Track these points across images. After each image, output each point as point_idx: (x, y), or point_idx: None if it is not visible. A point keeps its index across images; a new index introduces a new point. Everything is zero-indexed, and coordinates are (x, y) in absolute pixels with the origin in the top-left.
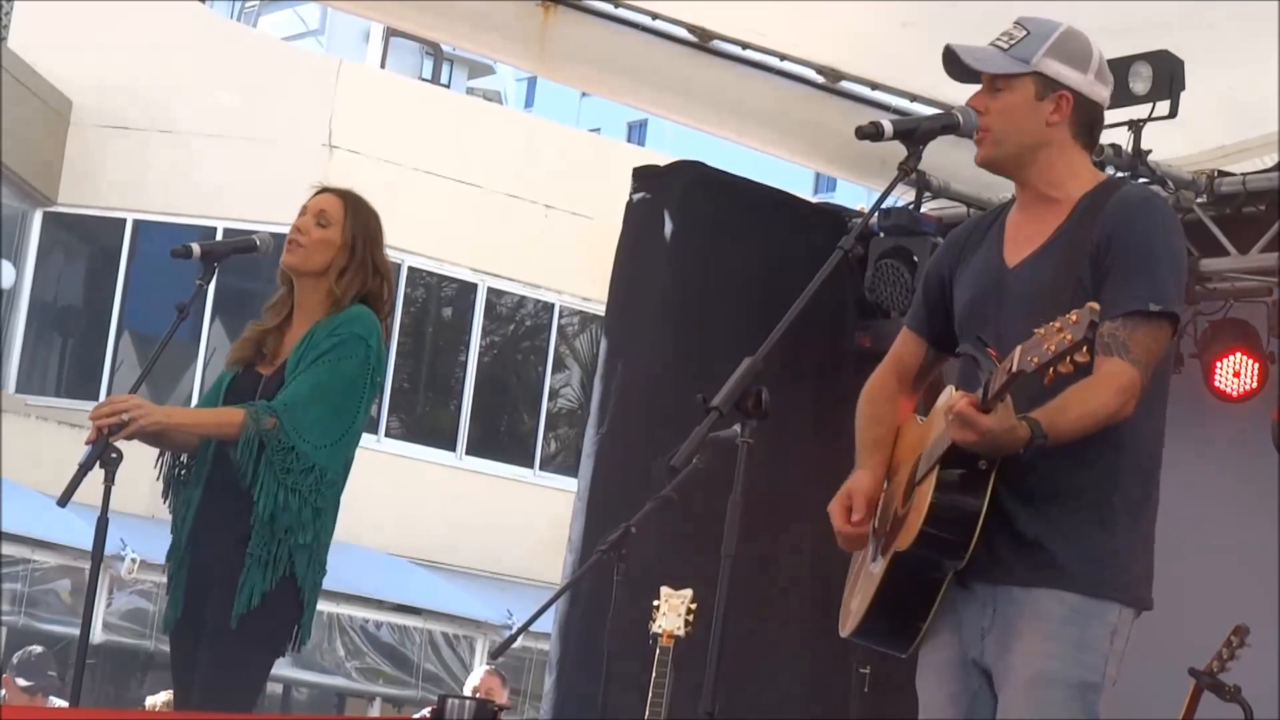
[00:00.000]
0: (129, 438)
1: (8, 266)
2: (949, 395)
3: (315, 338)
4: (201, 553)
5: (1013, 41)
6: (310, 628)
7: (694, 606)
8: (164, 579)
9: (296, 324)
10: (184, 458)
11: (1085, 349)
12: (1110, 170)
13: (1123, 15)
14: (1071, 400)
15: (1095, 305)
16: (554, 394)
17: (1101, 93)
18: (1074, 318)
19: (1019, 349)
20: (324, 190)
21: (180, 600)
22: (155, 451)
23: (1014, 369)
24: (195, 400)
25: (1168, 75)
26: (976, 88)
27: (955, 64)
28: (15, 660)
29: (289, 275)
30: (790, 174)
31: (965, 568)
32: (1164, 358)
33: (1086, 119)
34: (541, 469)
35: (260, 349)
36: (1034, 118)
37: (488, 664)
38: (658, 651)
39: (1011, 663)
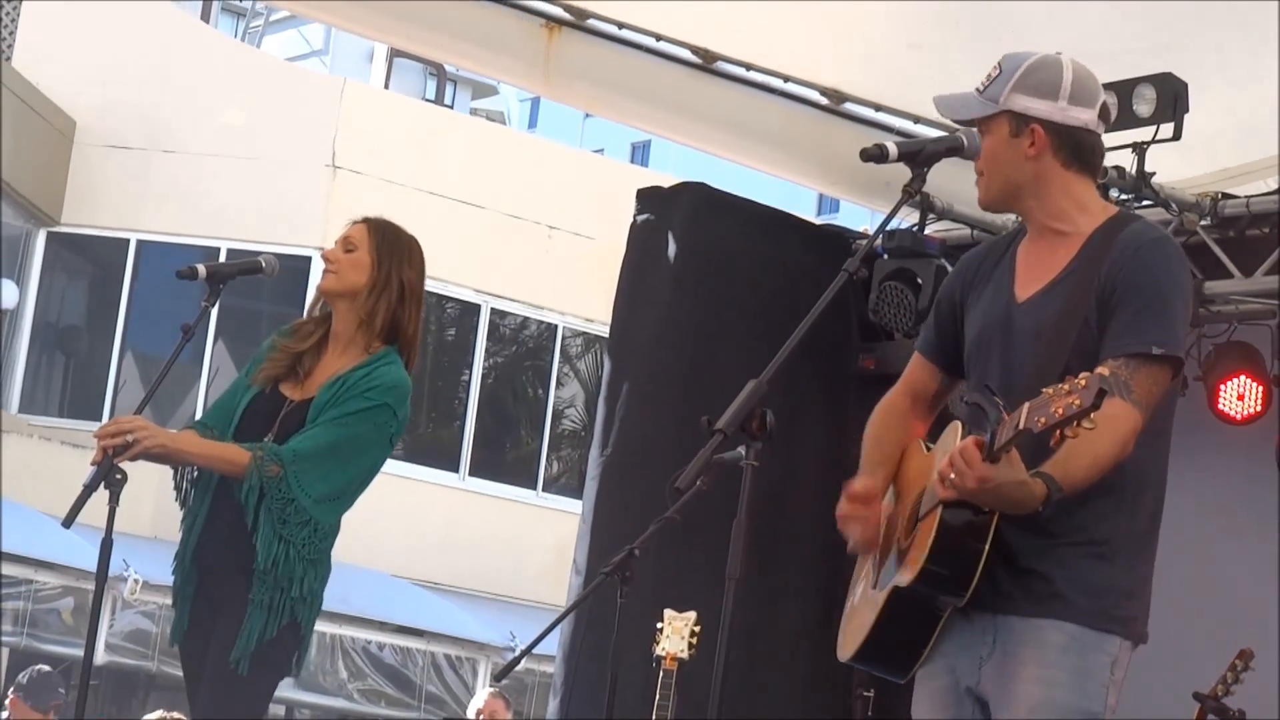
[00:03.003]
0: (133, 459)
1: (11, 286)
2: (955, 432)
3: (348, 391)
4: (206, 570)
5: (988, 82)
6: (307, 653)
7: (698, 629)
8: (167, 600)
9: (332, 352)
10: (194, 471)
11: (1092, 416)
12: (1114, 193)
13: (1126, 37)
14: (1081, 448)
15: (1104, 372)
16: (557, 415)
17: (1081, 115)
18: (1083, 382)
19: (1027, 407)
20: (355, 222)
21: (187, 612)
22: (160, 473)
23: (1021, 426)
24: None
25: (1171, 97)
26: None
27: None
28: (22, 680)
29: (325, 301)
30: (793, 195)
31: None
32: (1166, 399)
33: (1070, 145)
34: (545, 490)
35: (295, 368)
36: (1013, 155)
37: (491, 686)
38: (661, 674)
39: (1013, 691)
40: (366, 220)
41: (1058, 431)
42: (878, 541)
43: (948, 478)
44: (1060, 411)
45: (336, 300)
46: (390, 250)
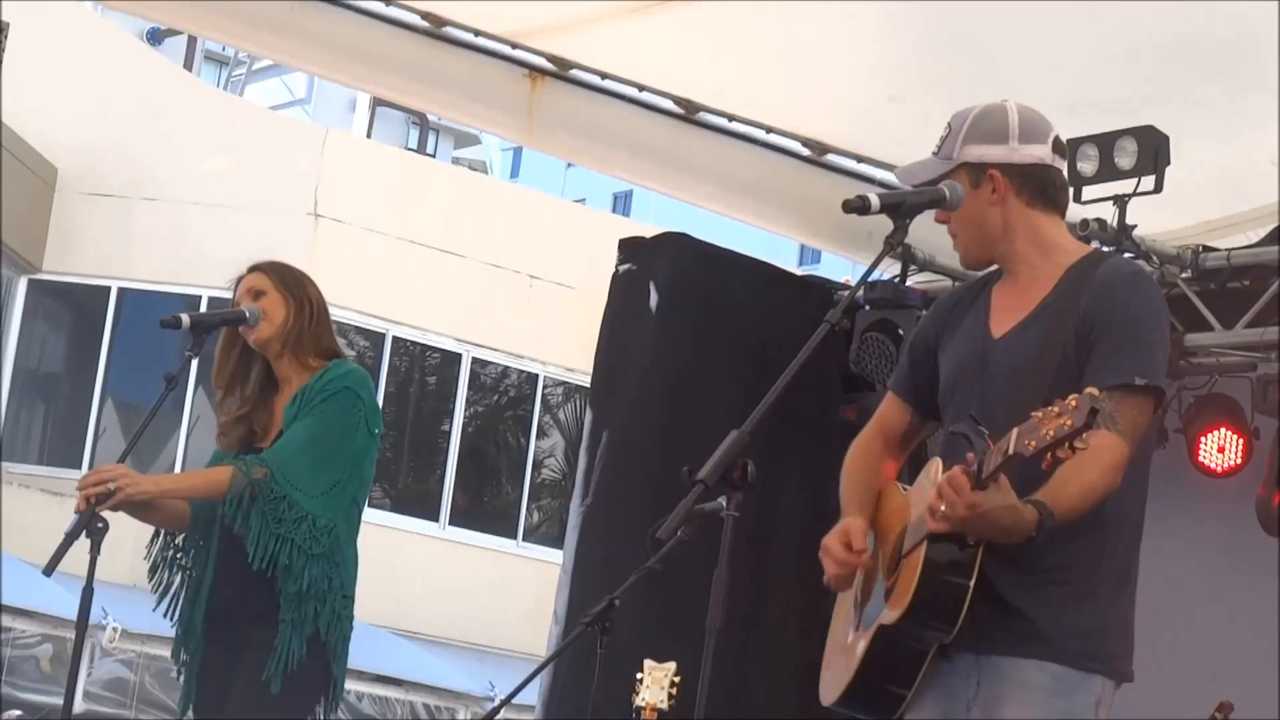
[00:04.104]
0: (115, 508)
1: None
2: (935, 468)
3: (307, 395)
4: (221, 636)
5: (941, 143)
6: (343, 686)
7: (677, 680)
8: (146, 649)
9: (283, 393)
10: (179, 539)
11: (1085, 435)
12: (1095, 244)
13: (1108, 90)
14: (1070, 477)
15: (1095, 391)
16: (538, 465)
17: (1035, 151)
18: (1073, 403)
19: (1015, 431)
20: (245, 273)
21: (194, 684)
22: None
23: (1010, 451)
24: (179, 469)
25: (1153, 150)
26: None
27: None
28: None
29: (256, 353)
30: (775, 246)
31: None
32: (1148, 431)
33: (1033, 183)
34: (525, 540)
35: (252, 426)
36: (979, 205)
37: None
38: None
39: None
40: (258, 266)
41: (1049, 455)
42: (852, 579)
43: (938, 509)
44: (1051, 433)
45: (269, 345)
46: (293, 282)
